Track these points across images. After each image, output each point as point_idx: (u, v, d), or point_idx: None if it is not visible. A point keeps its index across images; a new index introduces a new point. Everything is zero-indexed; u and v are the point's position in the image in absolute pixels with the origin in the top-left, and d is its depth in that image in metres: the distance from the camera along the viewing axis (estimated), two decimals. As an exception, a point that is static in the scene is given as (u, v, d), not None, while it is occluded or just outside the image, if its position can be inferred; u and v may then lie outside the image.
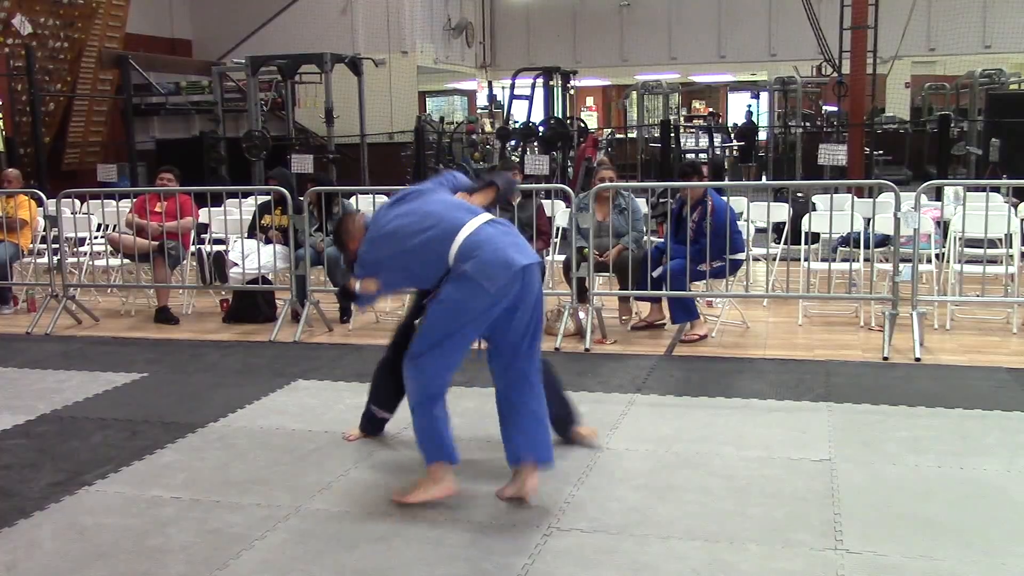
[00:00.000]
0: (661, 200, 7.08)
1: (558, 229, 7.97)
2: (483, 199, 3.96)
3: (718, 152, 18.63)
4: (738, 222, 7.01)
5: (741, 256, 6.90)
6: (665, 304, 6.89)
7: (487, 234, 3.65)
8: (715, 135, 18.67)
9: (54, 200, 7.81)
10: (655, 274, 6.58)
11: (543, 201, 7.75)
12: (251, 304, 7.55)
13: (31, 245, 8.50)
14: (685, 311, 6.60)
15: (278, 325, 7.06)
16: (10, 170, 8.77)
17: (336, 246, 4.22)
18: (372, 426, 4.63)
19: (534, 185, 8.44)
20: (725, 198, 6.80)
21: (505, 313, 3.65)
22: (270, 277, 7.64)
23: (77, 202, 9.22)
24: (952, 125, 13.73)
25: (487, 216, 3.75)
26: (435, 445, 3.77)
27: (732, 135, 21.04)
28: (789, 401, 5.13)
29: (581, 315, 6.63)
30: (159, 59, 18.74)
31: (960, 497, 3.77)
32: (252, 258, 7.37)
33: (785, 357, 6.11)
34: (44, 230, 8.13)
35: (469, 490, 3.94)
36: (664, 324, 6.93)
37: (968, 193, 7.73)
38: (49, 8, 15.70)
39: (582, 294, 6.67)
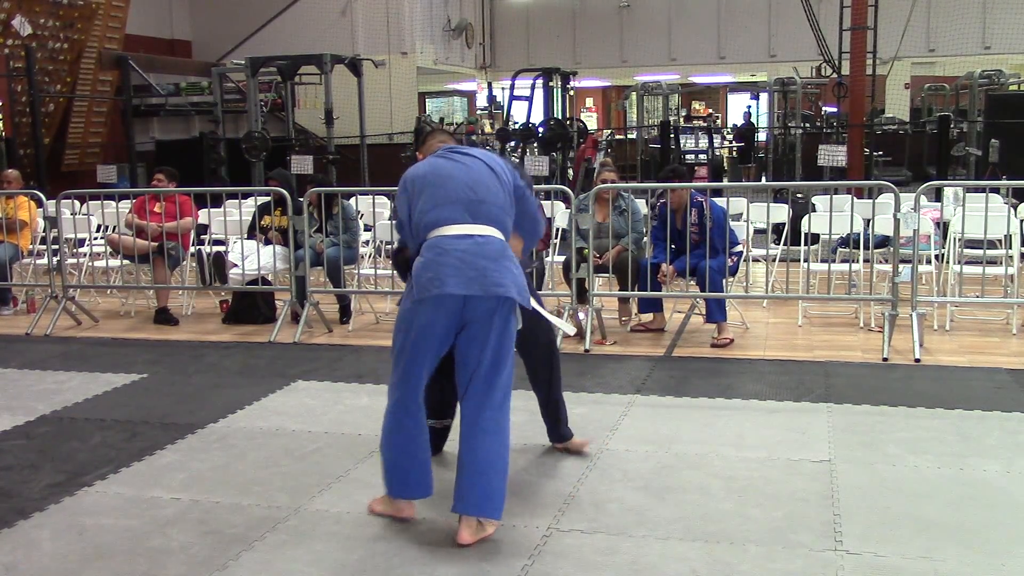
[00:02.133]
0: (660, 201, 7.10)
1: (558, 230, 7.98)
2: (516, 244, 3.74)
3: (717, 153, 18.64)
4: (732, 223, 7.04)
5: (739, 249, 6.98)
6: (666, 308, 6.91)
7: (452, 246, 3.43)
8: (714, 136, 18.67)
9: (54, 201, 7.81)
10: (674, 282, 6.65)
11: (542, 202, 7.75)
12: (251, 305, 7.55)
13: (31, 246, 8.50)
14: (721, 310, 6.58)
15: (278, 326, 7.06)
16: (10, 171, 8.75)
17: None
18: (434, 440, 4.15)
19: (534, 186, 8.44)
20: (723, 199, 6.81)
21: (460, 333, 3.48)
22: (270, 278, 7.64)
23: (77, 203, 9.22)
24: (952, 126, 13.72)
25: (480, 230, 3.48)
26: (390, 475, 3.60)
27: (731, 136, 21.06)
28: (789, 402, 5.13)
29: (581, 316, 6.63)
30: (159, 60, 18.74)
31: (960, 498, 3.77)
32: (252, 259, 7.37)
33: (785, 358, 6.11)
34: (44, 231, 8.12)
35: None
36: (664, 328, 6.94)
37: (968, 194, 7.74)
38: (49, 9, 15.69)
39: (582, 295, 6.67)
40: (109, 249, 8.27)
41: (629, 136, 20.89)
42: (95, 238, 8.90)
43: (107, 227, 9.00)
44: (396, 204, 3.70)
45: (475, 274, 3.39)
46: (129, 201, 8.81)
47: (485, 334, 3.45)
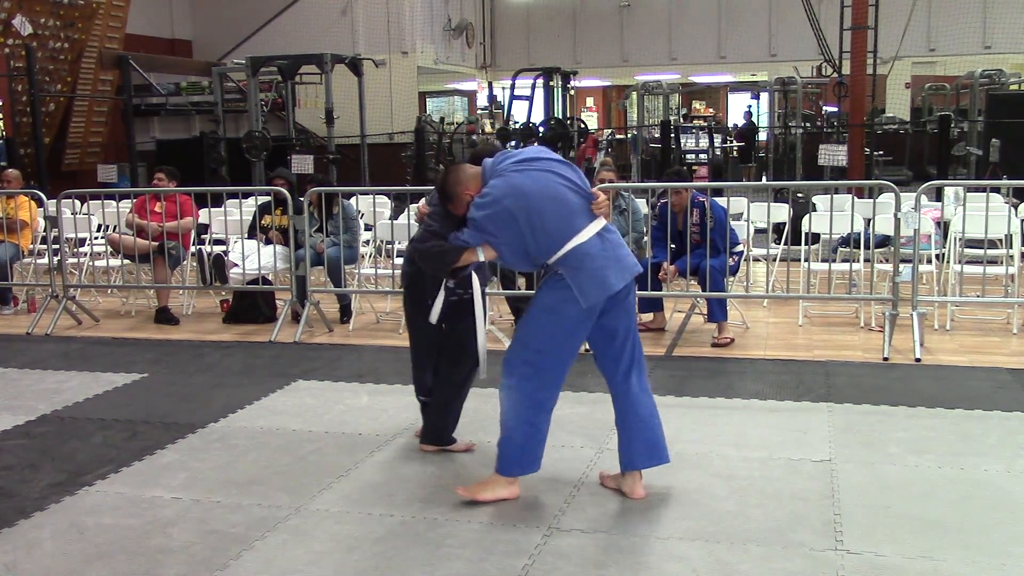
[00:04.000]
0: (661, 201, 7.10)
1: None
2: None
3: (718, 152, 18.62)
4: (733, 223, 7.03)
5: (740, 248, 6.99)
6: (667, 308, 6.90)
7: (594, 248, 3.67)
8: (715, 135, 18.67)
9: (54, 201, 7.81)
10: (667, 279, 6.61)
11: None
12: (251, 305, 7.55)
13: (31, 246, 8.50)
14: (722, 309, 6.56)
15: (278, 326, 7.06)
16: (10, 170, 8.75)
17: (441, 200, 3.93)
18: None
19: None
20: (723, 199, 6.80)
21: (600, 319, 3.76)
22: (270, 277, 7.64)
23: (77, 203, 9.22)
24: (952, 125, 13.72)
25: (600, 224, 3.73)
26: (522, 455, 3.77)
27: (732, 136, 21.05)
28: (789, 401, 5.13)
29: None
30: (159, 60, 18.74)
31: (960, 498, 3.77)
32: (252, 259, 7.37)
33: (785, 358, 6.11)
34: (44, 231, 8.12)
35: (469, 490, 3.94)
36: (665, 328, 6.93)
37: (968, 193, 7.73)
38: (49, 9, 15.69)
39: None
40: (110, 249, 8.26)
41: (631, 134, 20.90)
42: (95, 238, 8.90)
43: (107, 227, 9.00)
44: (492, 219, 3.64)
45: (620, 264, 3.75)
46: (130, 200, 8.81)
47: (629, 309, 3.84)
